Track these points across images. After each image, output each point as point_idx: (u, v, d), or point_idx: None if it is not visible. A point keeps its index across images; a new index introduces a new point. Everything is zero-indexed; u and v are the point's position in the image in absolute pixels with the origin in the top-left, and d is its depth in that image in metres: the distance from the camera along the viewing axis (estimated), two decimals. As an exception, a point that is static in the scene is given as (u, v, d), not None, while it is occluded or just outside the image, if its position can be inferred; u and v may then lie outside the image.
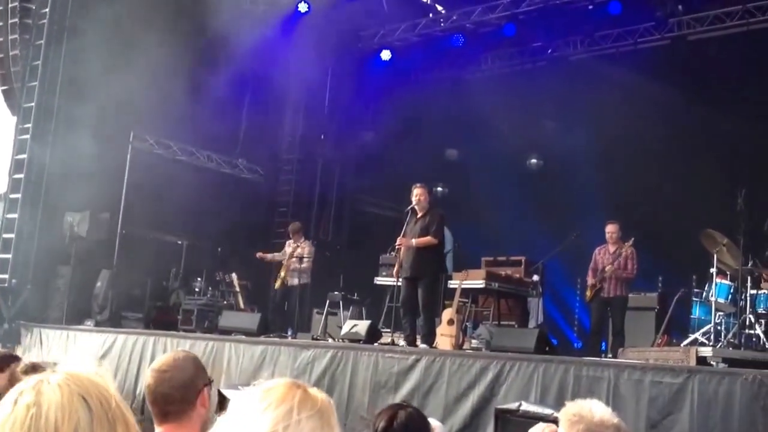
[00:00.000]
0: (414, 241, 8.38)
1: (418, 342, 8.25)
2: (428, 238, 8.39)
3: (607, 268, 9.04)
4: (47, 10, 11.88)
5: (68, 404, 1.27)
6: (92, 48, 11.32)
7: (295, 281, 10.81)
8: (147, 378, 2.75)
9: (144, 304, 11.91)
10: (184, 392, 2.67)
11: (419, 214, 8.57)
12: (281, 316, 10.98)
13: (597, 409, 1.85)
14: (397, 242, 8.56)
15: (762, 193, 8.99)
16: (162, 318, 11.71)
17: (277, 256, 11.28)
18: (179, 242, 12.67)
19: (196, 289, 12.14)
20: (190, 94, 11.55)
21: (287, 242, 11.29)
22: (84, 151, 11.11)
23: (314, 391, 1.43)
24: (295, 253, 10.87)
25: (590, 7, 11.99)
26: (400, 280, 8.71)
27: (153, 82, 11.16)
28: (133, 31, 11.37)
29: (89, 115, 11.31)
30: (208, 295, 11.90)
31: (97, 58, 11.27)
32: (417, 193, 8.54)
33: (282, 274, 10.89)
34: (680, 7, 11.60)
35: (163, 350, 9.12)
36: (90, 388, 1.30)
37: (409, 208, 8.69)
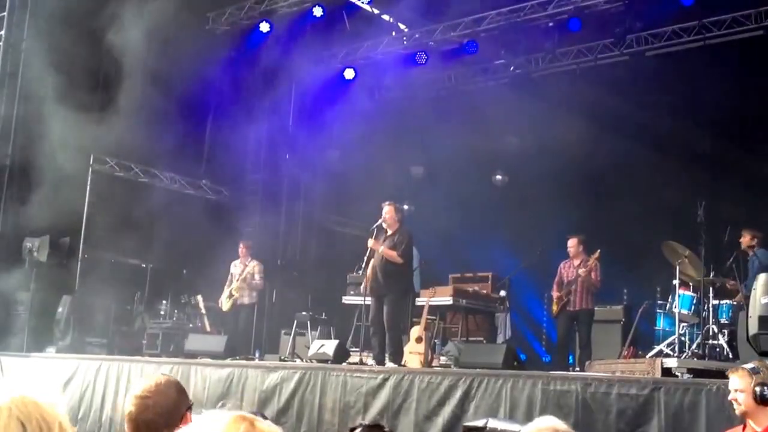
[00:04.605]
0: (381, 248, 8.42)
1: (386, 360, 8.22)
2: (394, 253, 8.40)
3: (580, 271, 9.11)
4: (2, 32, 11.70)
5: (4, 429, 1.24)
6: (50, 68, 11.13)
7: (246, 300, 10.85)
8: (128, 405, 2.65)
9: (107, 329, 11.67)
10: (168, 418, 2.58)
11: (388, 232, 8.59)
12: (246, 337, 10.86)
13: (534, 422, 1.90)
14: (370, 246, 8.54)
15: (721, 204, 9.16)
16: (126, 343, 11.48)
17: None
18: (143, 265, 12.46)
19: (161, 313, 11.94)
20: (152, 115, 11.41)
21: (232, 263, 11.10)
22: (42, 174, 10.89)
23: (262, 424, 1.39)
24: (246, 272, 10.77)
25: (550, 24, 12.13)
26: (369, 298, 8.67)
27: (113, 103, 11.00)
28: (92, 51, 11.23)
29: (47, 136, 11.10)
30: (174, 319, 11.73)
31: (56, 79, 11.08)
32: (386, 211, 8.57)
33: (235, 294, 10.79)
34: (638, 23, 11.77)
35: (127, 376, 8.94)
36: (32, 413, 1.27)
37: (375, 225, 8.69)
